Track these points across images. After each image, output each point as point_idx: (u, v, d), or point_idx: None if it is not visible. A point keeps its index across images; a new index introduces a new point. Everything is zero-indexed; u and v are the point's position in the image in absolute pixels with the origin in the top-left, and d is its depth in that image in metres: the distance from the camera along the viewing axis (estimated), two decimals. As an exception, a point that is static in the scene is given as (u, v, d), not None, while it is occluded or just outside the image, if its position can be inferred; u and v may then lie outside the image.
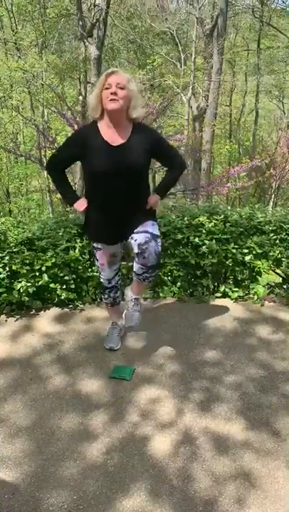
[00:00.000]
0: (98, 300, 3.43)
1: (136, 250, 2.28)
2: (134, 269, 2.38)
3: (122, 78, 2.16)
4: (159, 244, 2.31)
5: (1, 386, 2.50)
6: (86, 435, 2.17)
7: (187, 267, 3.44)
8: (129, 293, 2.58)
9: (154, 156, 2.40)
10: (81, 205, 2.43)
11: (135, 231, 2.35)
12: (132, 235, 2.36)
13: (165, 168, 2.59)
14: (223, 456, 2.05)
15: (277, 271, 3.64)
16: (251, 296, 3.45)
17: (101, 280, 2.72)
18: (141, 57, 17.14)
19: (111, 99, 2.15)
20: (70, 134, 2.40)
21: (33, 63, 13.68)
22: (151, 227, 2.34)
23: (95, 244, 2.57)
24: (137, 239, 2.29)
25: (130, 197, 2.32)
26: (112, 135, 2.25)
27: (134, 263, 2.34)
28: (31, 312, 3.26)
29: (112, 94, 2.14)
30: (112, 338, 2.84)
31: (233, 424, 2.24)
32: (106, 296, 2.77)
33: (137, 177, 2.31)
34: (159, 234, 2.35)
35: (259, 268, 3.44)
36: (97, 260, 2.62)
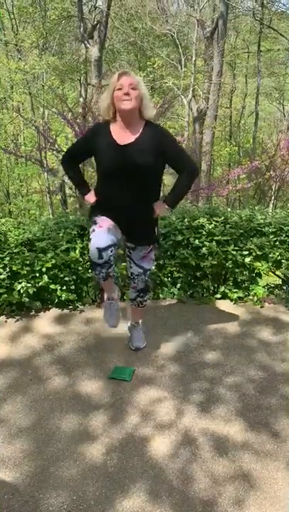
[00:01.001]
0: (98, 301, 3.43)
1: (129, 275, 2.65)
2: (129, 296, 2.74)
3: (133, 79, 2.19)
4: (148, 275, 2.64)
5: (0, 387, 2.51)
6: (86, 436, 2.17)
7: (187, 268, 3.44)
8: (129, 322, 2.90)
9: (163, 156, 2.29)
10: (92, 197, 2.47)
11: (135, 259, 2.55)
12: (131, 260, 2.57)
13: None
14: (223, 457, 2.06)
15: (277, 272, 3.64)
16: (251, 297, 3.46)
17: (90, 255, 2.27)
18: (141, 59, 17.16)
19: (124, 100, 2.16)
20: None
21: (34, 65, 13.71)
22: (148, 262, 2.58)
23: (98, 216, 2.37)
24: (132, 268, 2.59)
25: (136, 197, 2.31)
26: (122, 134, 2.26)
27: (130, 289, 2.71)
28: (31, 313, 3.26)
29: (125, 94, 2.16)
30: (112, 314, 2.66)
31: (233, 425, 2.24)
32: (97, 272, 2.33)
33: (144, 177, 2.28)
34: (152, 267, 2.67)
35: (259, 270, 3.45)
36: (96, 224, 2.31)
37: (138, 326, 2.88)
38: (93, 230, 2.30)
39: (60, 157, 6.84)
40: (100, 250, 2.21)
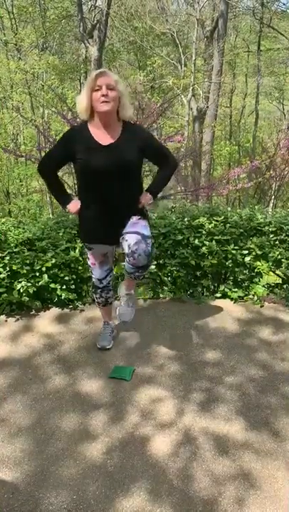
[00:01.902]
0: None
1: (126, 251, 2.28)
2: (126, 268, 2.38)
3: (111, 79, 2.18)
4: (149, 244, 2.29)
5: (1, 386, 2.51)
6: (86, 435, 2.17)
7: (187, 267, 3.44)
8: (122, 289, 2.70)
9: (145, 154, 2.36)
10: (74, 206, 2.44)
11: (126, 231, 2.34)
12: (123, 235, 2.34)
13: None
14: (223, 457, 2.06)
15: (277, 272, 3.64)
16: (251, 296, 3.46)
17: (93, 280, 2.71)
18: (141, 59, 17.16)
19: (102, 101, 2.16)
20: (65, 132, 2.38)
21: (34, 64, 13.71)
22: (142, 227, 2.32)
23: (86, 244, 2.57)
24: (128, 239, 2.28)
25: (121, 196, 2.33)
26: (102, 135, 2.27)
27: (126, 262, 2.34)
28: (31, 312, 3.26)
29: (103, 96, 2.15)
30: (105, 337, 2.86)
31: (233, 424, 2.24)
32: (98, 295, 2.74)
33: (128, 176, 2.31)
34: (149, 235, 2.34)
35: (259, 269, 3.45)
36: (89, 259, 2.63)
37: (130, 296, 2.69)
38: (90, 266, 2.67)
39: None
40: (100, 280, 2.66)
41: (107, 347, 2.82)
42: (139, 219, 2.40)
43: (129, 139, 2.28)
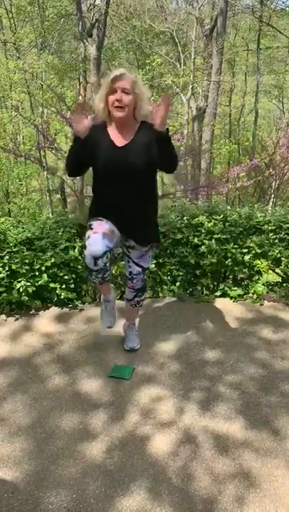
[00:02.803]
0: (98, 300, 3.43)
1: (127, 274, 2.62)
2: (126, 297, 2.70)
3: (127, 82, 2.16)
4: (145, 273, 2.64)
5: (0, 385, 2.51)
6: (86, 434, 2.17)
7: (187, 266, 3.44)
8: (125, 322, 2.87)
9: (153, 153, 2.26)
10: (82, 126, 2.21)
11: (134, 258, 2.54)
12: (129, 259, 2.57)
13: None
14: (223, 455, 2.06)
15: (277, 270, 3.64)
16: (251, 295, 3.46)
17: (86, 261, 2.29)
18: (140, 58, 17.14)
19: (116, 107, 2.16)
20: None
21: (33, 63, 13.70)
22: (146, 261, 2.59)
23: (95, 218, 2.38)
24: (131, 266, 2.58)
25: (136, 197, 2.33)
26: (118, 136, 2.28)
27: (126, 290, 2.68)
28: (31, 312, 3.26)
29: (117, 101, 2.15)
30: (108, 316, 2.69)
31: (233, 423, 2.24)
32: (93, 277, 2.38)
33: (142, 177, 2.30)
34: (149, 266, 2.67)
35: (258, 267, 3.45)
36: (91, 229, 2.29)
37: (133, 327, 2.86)
38: (88, 237, 2.27)
39: (60, 156, 6.83)
40: (96, 258, 2.23)
41: (112, 326, 2.72)
42: (149, 249, 2.55)
43: (144, 139, 2.26)
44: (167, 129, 2.22)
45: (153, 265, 3.37)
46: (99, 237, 2.24)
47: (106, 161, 2.26)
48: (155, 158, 2.27)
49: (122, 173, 2.26)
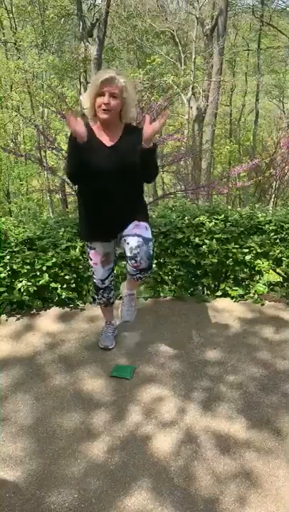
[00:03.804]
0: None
1: (128, 254, 2.29)
2: (128, 270, 2.41)
3: (116, 87, 2.15)
4: (151, 247, 2.32)
5: (2, 385, 2.51)
6: (87, 434, 2.17)
7: (188, 266, 3.44)
8: (124, 289, 2.66)
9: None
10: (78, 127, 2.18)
11: (128, 232, 2.35)
12: (125, 237, 2.36)
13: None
14: (224, 455, 2.06)
15: (278, 270, 3.64)
16: (252, 295, 3.46)
17: (94, 281, 2.68)
18: (141, 57, 17.14)
19: (103, 109, 2.18)
20: (69, 134, 2.35)
21: (33, 63, 13.70)
22: (143, 230, 2.34)
23: (88, 243, 2.56)
24: (129, 242, 2.29)
25: (123, 197, 2.34)
26: (104, 136, 2.30)
27: (128, 265, 2.36)
28: (32, 312, 3.26)
29: (104, 104, 2.16)
30: (107, 337, 2.85)
31: (234, 423, 2.24)
32: (99, 296, 2.73)
33: (129, 177, 2.31)
34: (151, 237, 2.36)
35: (259, 267, 3.45)
36: (91, 259, 2.60)
37: (132, 297, 2.67)
38: (91, 266, 2.64)
39: (60, 156, 6.83)
40: (102, 280, 2.65)
41: (110, 347, 2.82)
42: (140, 221, 2.39)
43: (130, 140, 2.28)
44: (154, 144, 2.24)
45: (154, 265, 3.38)
46: (99, 267, 2.59)
47: (97, 160, 2.26)
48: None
49: (112, 173, 2.27)
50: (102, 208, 2.37)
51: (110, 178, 2.28)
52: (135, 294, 2.73)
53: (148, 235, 2.34)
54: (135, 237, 2.28)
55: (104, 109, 2.18)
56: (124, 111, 2.25)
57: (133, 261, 2.27)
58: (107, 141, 2.30)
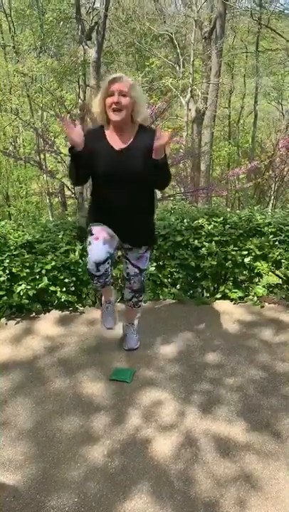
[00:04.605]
0: (98, 302, 3.43)
1: (125, 275, 2.65)
2: (125, 296, 2.74)
3: (124, 85, 2.16)
4: (144, 275, 2.65)
5: (2, 389, 2.51)
6: (87, 437, 2.17)
7: (187, 268, 3.44)
8: (124, 321, 2.87)
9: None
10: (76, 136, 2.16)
11: (130, 259, 2.55)
12: (126, 260, 2.58)
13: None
14: (224, 458, 2.05)
15: (277, 272, 3.64)
16: (251, 297, 3.46)
17: (88, 267, 2.30)
18: (139, 60, 17.18)
19: (114, 110, 2.17)
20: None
21: (32, 67, 13.72)
22: (143, 263, 2.58)
23: (94, 223, 2.40)
24: (128, 268, 2.60)
25: (134, 200, 2.33)
26: (116, 139, 2.28)
27: (125, 290, 2.72)
28: (31, 315, 3.26)
29: (114, 103, 2.16)
30: (109, 317, 2.71)
31: (234, 425, 2.24)
32: (95, 282, 2.38)
33: (140, 180, 2.29)
34: (146, 267, 2.64)
35: (259, 270, 3.45)
36: (92, 235, 2.33)
37: (133, 327, 2.87)
38: (90, 243, 2.32)
39: (59, 159, 6.84)
40: (98, 264, 2.26)
41: (112, 327, 2.72)
42: (146, 251, 2.55)
43: (142, 143, 2.25)
44: (165, 154, 2.22)
45: (153, 267, 3.38)
46: (100, 242, 2.28)
47: (105, 164, 2.26)
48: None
49: (122, 177, 2.26)
50: (111, 212, 2.37)
51: (119, 183, 2.26)
52: (135, 324, 2.88)
53: (145, 266, 2.61)
54: (135, 269, 2.58)
55: (114, 109, 2.16)
56: (135, 111, 2.23)
57: (127, 282, 2.66)
58: (119, 144, 2.26)
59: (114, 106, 2.16)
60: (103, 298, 2.71)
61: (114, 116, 2.19)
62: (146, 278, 2.73)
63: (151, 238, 2.58)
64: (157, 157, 2.17)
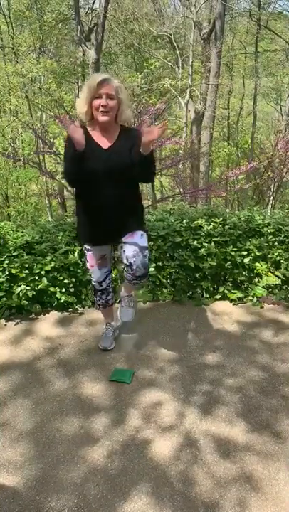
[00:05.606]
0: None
1: (124, 262, 2.39)
2: (125, 275, 2.49)
3: (112, 88, 2.21)
4: (147, 256, 2.39)
5: (1, 390, 2.50)
6: (87, 439, 2.16)
7: (186, 269, 3.44)
8: (122, 291, 2.73)
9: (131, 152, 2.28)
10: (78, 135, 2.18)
11: (124, 240, 2.41)
12: (122, 244, 2.43)
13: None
14: (224, 459, 2.05)
15: (277, 273, 3.64)
16: (250, 298, 3.45)
17: (92, 283, 2.73)
18: (138, 61, 17.19)
19: (102, 112, 2.21)
20: (66, 138, 2.34)
21: (31, 68, 13.72)
22: (140, 238, 2.40)
23: (85, 245, 2.60)
24: (125, 250, 2.37)
25: (120, 198, 2.35)
26: (101, 138, 2.33)
27: (124, 272, 2.46)
28: (31, 316, 3.26)
29: (102, 106, 2.20)
30: (107, 338, 2.87)
31: (234, 426, 2.24)
32: (98, 298, 2.77)
33: (126, 178, 2.33)
34: (147, 245, 2.41)
35: (258, 270, 3.45)
36: (87, 262, 2.64)
37: (130, 298, 2.71)
38: (87, 269, 2.70)
39: (58, 160, 6.83)
40: (100, 282, 2.68)
41: (109, 348, 2.83)
42: (137, 229, 2.44)
43: (126, 141, 2.32)
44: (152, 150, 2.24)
45: (152, 268, 3.38)
46: (96, 269, 2.63)
47: (96, 163, 2.28)
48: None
49: (111, 173, 2.29)
50: (100, 210, 2.39)
51: (109, 180, 2.29)
52: (133, 295, 2.77)
53: (143, 242, 2.39)
54: (132, 246, 2.36)
55: (102, 111, 2.21)
56: (119, 112, 2.30)
57: (129, 269, 2.37)
58: (105, 143, 2.32)
59: (102, 109, 2.21)
60: (104, 319, 2.93)
61: (102, 118, 2.24)
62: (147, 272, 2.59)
63: (140, 224, 2.49)
64: (145, 152, 2.19)
